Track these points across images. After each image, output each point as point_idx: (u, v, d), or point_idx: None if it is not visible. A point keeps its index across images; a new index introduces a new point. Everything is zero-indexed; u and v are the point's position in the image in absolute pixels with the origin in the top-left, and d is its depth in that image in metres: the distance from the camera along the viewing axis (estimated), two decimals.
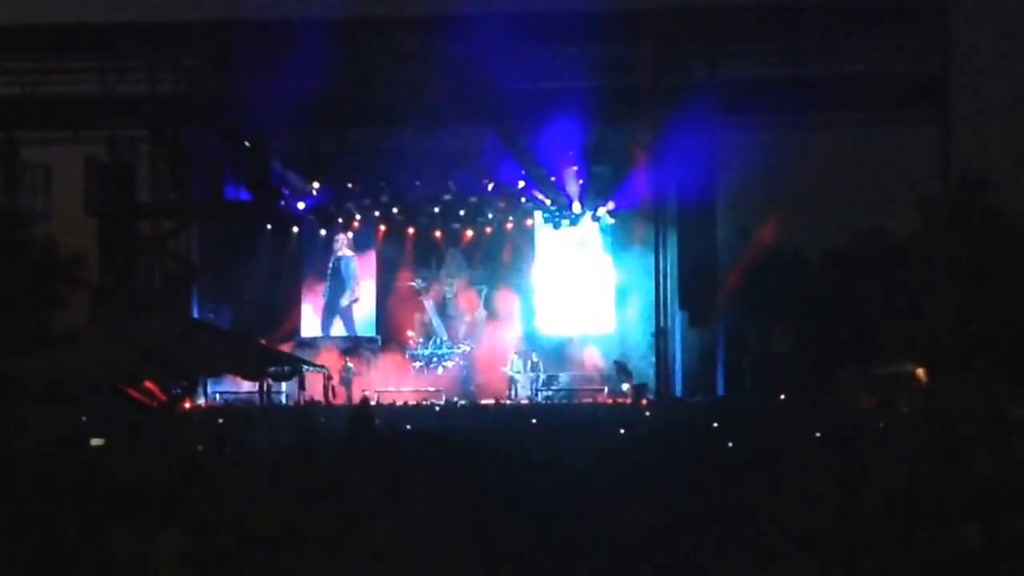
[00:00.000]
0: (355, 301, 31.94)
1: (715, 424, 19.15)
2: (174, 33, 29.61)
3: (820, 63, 30.03)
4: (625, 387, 28.85)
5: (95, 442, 16.49)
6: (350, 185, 30.63)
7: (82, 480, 11.26)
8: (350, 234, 31.79)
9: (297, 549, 8.97)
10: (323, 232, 31.79)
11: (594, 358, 30.51)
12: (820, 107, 29.70)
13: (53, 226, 28.73)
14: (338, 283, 32.00)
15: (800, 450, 13.47)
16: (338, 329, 31.93)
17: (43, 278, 28.85)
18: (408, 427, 20.64)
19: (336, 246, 31.89)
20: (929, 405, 25.61)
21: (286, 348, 29.99)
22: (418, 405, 27.88)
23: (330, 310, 32.02)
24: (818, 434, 16.60)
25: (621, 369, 29.55)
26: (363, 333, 31.72)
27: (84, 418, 21.34)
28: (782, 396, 27.03)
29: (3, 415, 20.30)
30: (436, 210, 30.99)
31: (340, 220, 31.45)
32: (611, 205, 30.23)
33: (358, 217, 31.42)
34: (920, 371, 28.70)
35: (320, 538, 8.69)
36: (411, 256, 31.83)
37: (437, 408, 27.41)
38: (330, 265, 31.98)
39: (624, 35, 29.20)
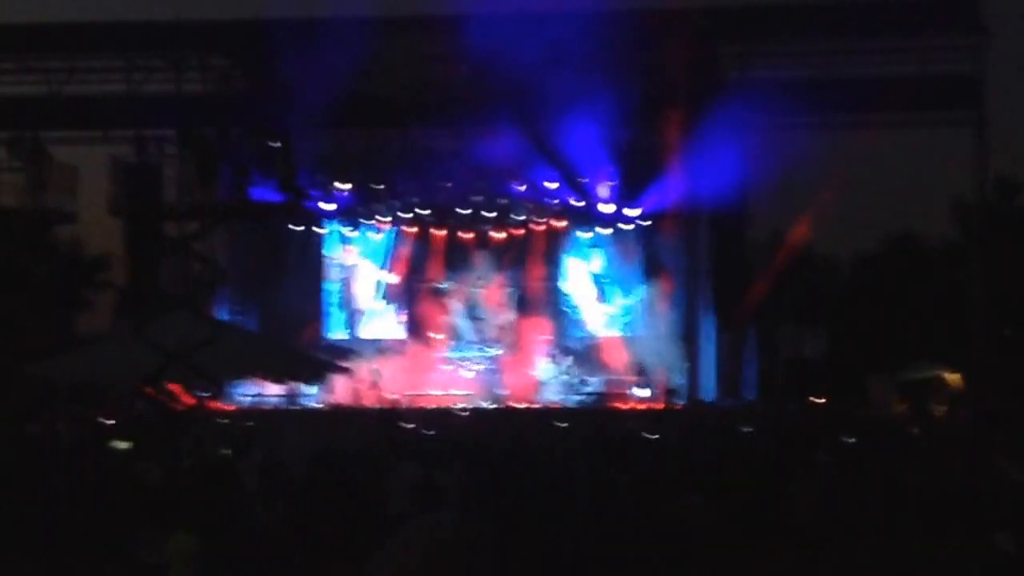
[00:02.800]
0: (381, 304, 31.91)
1: (747, 429, 19.01)
2: (201, 33, 29.67)
3: (853, 64, 29.78)
4: (639, 392, 28.77)
5: (120, 445, 16.49)
6: (379, 186, 30.61)
7: (107, 483, 11.25)
8: (372, 235, 31.76)
9: (323, 555, 8.91)
10: (350, 234, 31.81)
11: (622, 360, 30.38)
12: (853, 109, 29.44)
13: (79, 227, 28.92)
14: (363, 285, 31.98)
15: (831, 455, 13.34)
16: (366, 332, 31.88)
17: (69, 280, 29.00)
18: (435, 431, 20.55)
19: (351, 247, 31.90)
20: (962, 411, 25.38)
21: (313, 351, 29.97)
22: (446, 409, 27.79)
23: (357, 312, 31.99)
24: (851, 440, 16.45)
25: (640, 371, 29.49)
26: (391, 335, 31.67)
27: (109, 421, 21.40)
28: (813, 400, 26.85)
29: (30, 417, 20.39)
30: (465, 212, 30.95)
31: (368, 221, 31.46)
32: (642, 207, 30.08)
33: (386, 218, 31.41)
34: (953, 376, 28.45)
35: (347, 544, 8.62)
36: (440, 258, 31.76)
37: (465, 412, 27.31)
38: (354, 266, 31.97)
39: (655, 35, 29.05)
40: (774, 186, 29.07)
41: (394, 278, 31.95)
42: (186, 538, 8.57)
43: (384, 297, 31.94)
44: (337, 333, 31.82)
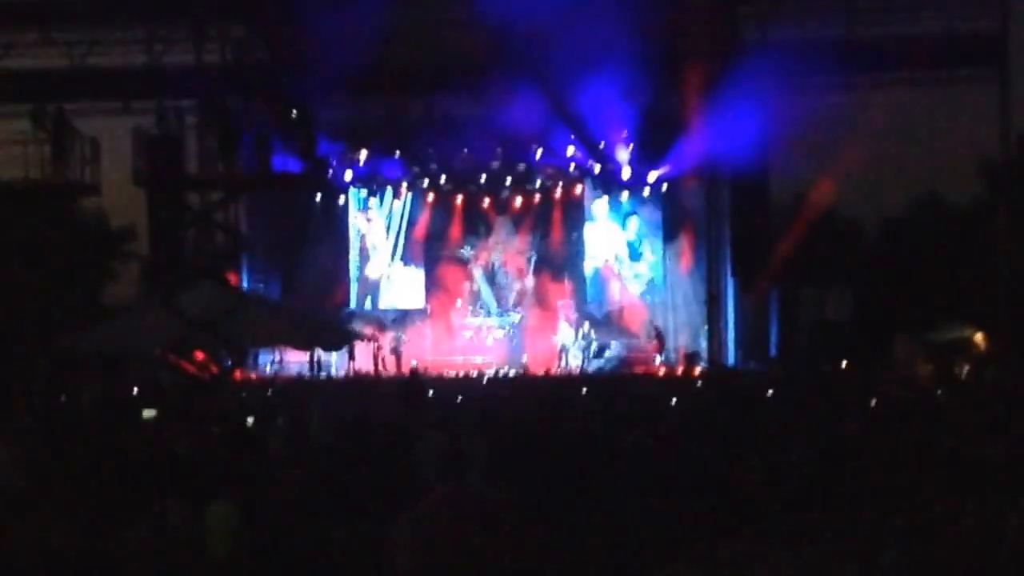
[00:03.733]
0: (400, 271, 32.04)
1: (769, 393, 19.04)
2: (221, 3, 29.64)
3: (875, 22, 29.55)
4: (660, 356, 28.90)
5: (147, 413, 16.69)
6: (398, 154, 30.67)
7: (135, 451, 11.42)
8: (393, 203, 31.83)
9: (349, 523, 9.04)
10: (371, 202, 31.92)
11: (643, 325, 30.45)
12: (876, 68, 29.21)
13: (102, 199, 29.06)
14: (384, 252, 32.11)
15: (855, 420, 13.38)
16: (387, 300, 32.04)
17: (95, 251, 29.22)
18: (458, 399, 20.71)
19: (372, 215, 32.00)
20: (989, 372, 25.30)
21: (335, 319, 30.14)
22: (468, 376, 27.96)
23: (378, 280, 32.13)
24: (873, 402, 16.46)
25: (657, 335, 29.56)
26: (412, 303, 31.81)
27: (135, 389, 21.64)
28: (837, 363, 26.82)
29: (59, 387, 20.64)
30: (484, 178, 30.99)
31: (388, 188, 31.54)
32: (662, 171, 30.03)
33: (406, 186, 31.49)
34: (979, 337, 28.36)
35: (373, 512, 8.74)
36: (459, 225, 31.84)
37: (487, 378, 27.47)
38: (376, 234, 32.08)
39: None
40: (796, 147, 28.93)
41: (414, 245, 32.06)
42: (224, 507, 8.73)
43: (405, 264, 32.07)
44: (359, 301, 31.99)
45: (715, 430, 11.62)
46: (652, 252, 31.19)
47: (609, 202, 31.11)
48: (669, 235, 30.96)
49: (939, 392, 20.17)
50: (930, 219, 34.71)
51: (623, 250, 31.32)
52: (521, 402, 17.22)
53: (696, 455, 9.43)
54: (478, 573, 5.87)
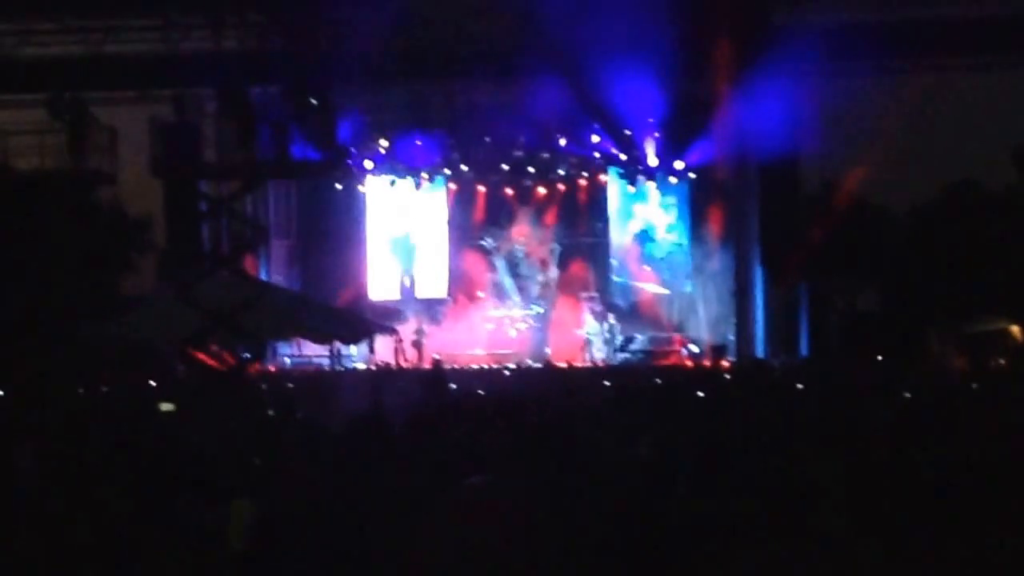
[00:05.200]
0: (422, 262, 32.07)
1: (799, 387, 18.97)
2: None
3: (906, 5, 29.35)
4: (687, 348, 28.86)
5: (165, 407, 16.78)
6: (419, 142, 30.66)
7: (153, 445, 11.48)
8: (418, 192, 31.85)
9: (370, 518, 9.06)
10: (390, 191, 31.94)
11: (669, 317, 30.41)
12: (907, 53, 29.05)
13: (119, 188, 29.18)
14: (405, 243, 32.14)
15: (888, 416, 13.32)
16: (408, 291, 32.06)
17: (113, 242, 29.35)
18: (481, 391, 20.72)
19: (401, 206, 32.01)
20: None
21: (356, 310, 30.21)
22: (491, 368, 27.96)
23: (399, 271, 32.15)
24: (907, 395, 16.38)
25: (688, 328, 29.54)
26: (433, 294, 31.83)
27: (153, 382, 21.75)
28: (870, 356, 26.68)
29: (78, 379, 20.77)
30: (507, 167, 30.96)
31: (409, 178, 31.55)
32: (689, 160, 29.94)
33: (426, 175, 31.49)
34: (1016, 329, 28.19)
35: (394, 506, 8.76)
36: (482, 214, 31.84)
37: (511, 371, 27.46)
38: (397, 225, 32.11)
39: None
40: (826, 135, 28.78)
41: (436, 235, 32.09)
42: (247, 504, 8.78)
43: (426, 255, 32.09)
44: (380, 293, 32.04)
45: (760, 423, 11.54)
46: (678, 242, 31.10)
47: (635, 191, 31.03)
48: (696, 225, 30.87)
49: (974, 386, 20.07)
50: (964, 207, 34.47)
51: (648, 241, 31.25)
52: (544, 395, 17.22)
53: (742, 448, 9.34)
54: (509, 569, 5.88)
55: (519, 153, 30.69)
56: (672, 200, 31.05)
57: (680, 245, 31.06)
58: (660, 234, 31.25)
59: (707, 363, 28.10)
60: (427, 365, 27.20)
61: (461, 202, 31.88)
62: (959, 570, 6.62)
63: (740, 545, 6.67)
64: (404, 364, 28.75)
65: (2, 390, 19.76)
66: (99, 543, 8.71)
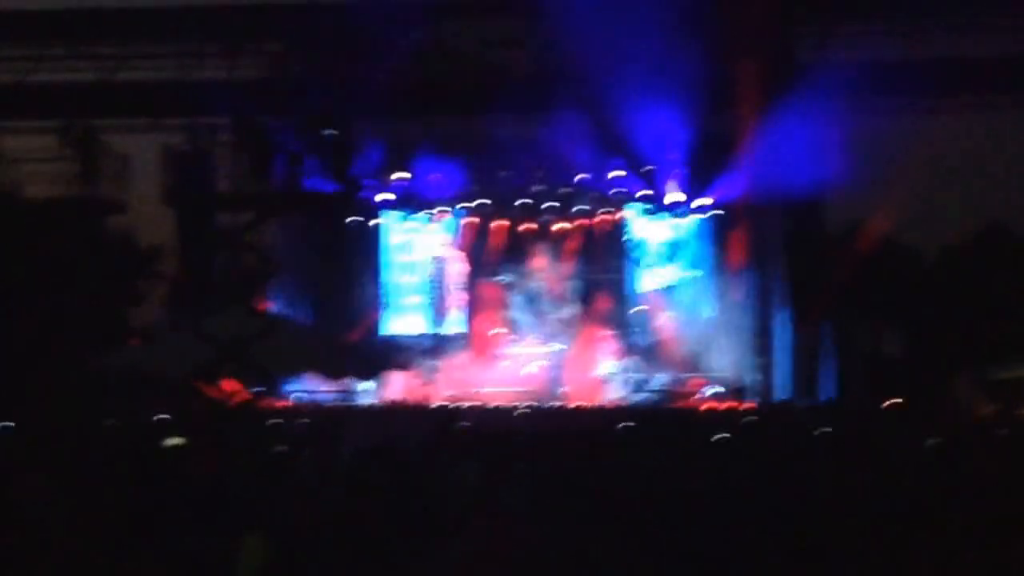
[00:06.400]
0: (439, 298, 32.14)
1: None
2: (254, 18, 30.00)
3: (937, 43, 29.46)
4: (708, 390, 28.76)
5: (173, 441, 16.82)
6: (436, 175, 30.81)
7: (161, 481, 11.53)
8: (433, 228, 31.98)
9: (382, 557, 9.09)
10: (405, 224, 32.07)
11: (689, 357, 30.35)
12: (937, 91, 29.12)
13: (130, 217, 29.43)
14: (420, 278, 32.23)
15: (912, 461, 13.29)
16: (422, 326, 32.12)
17: (122, 272, 29.55)
18: (495, 431, 20.72)
19: (416, 240, 32.13)
20: None
21: (368, 346, 30.27)
22: (506, 407, 27.93)
23: (413, 306, 32.24)
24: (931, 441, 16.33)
25: (709, 368, 29.46)
26: (448, 330, 31.87)
27: (162, 416, 21.83)
28: (893, 401, 26.61)
29: (85, 411, 20.88)
30: (525, 201, 31.07)
31: (426, 212, 31.69)
32: (712, 197, 30.01)
33: (445, 209, 31.62)
34: None
35: (406, 545, 8.80)
36: (499, 249, 31.91)
37: (526, 410, 27.43)
38: (412, 259, 32.22)
39: (725, 15, 28.90)
40: (852, 174, 28.83)
41: (452, 270, 32.17)
42: (258, 541, 8.81)
43: (442, 290, 32.16)
44: (393, 328, 32.09)
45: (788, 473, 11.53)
46: (699, 282, 31.11)
47: (655, 229, 31.09)
48: (717, 264, 30.89)
49: (1002, 432, 19.99)
50: (992, 249, 34.48)
51: (669, 279, 31.28)
52: (560, 436, 17.20)
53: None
54: None
55: (539, 187, 30.80)
56: (694, 238, 31.08)
57: (702, 283, 31.06)
58: (680, 273, 31.26)
59: (729, 405, 28.02)
60: (440, 402, 27.20)
61: (478, 236, 31.97)
62: None
63: None
64: (416, 400, 28.76)
65: (10, 420, 19.86)
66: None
